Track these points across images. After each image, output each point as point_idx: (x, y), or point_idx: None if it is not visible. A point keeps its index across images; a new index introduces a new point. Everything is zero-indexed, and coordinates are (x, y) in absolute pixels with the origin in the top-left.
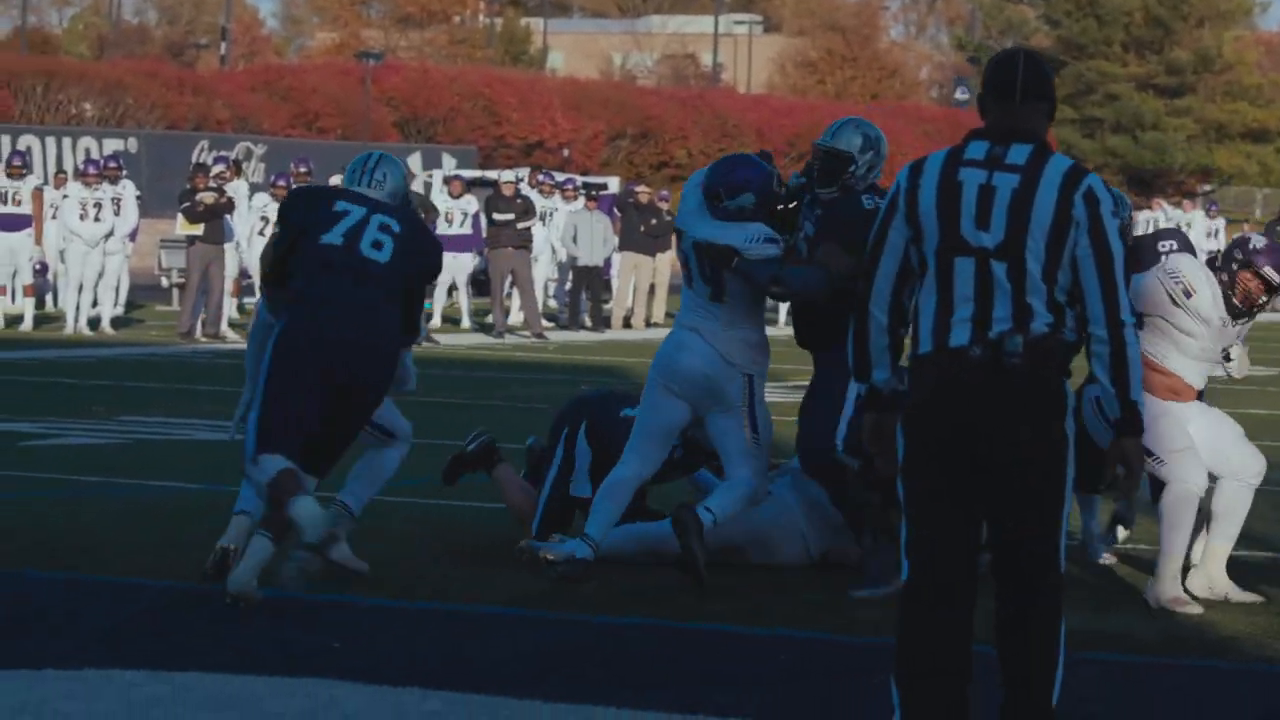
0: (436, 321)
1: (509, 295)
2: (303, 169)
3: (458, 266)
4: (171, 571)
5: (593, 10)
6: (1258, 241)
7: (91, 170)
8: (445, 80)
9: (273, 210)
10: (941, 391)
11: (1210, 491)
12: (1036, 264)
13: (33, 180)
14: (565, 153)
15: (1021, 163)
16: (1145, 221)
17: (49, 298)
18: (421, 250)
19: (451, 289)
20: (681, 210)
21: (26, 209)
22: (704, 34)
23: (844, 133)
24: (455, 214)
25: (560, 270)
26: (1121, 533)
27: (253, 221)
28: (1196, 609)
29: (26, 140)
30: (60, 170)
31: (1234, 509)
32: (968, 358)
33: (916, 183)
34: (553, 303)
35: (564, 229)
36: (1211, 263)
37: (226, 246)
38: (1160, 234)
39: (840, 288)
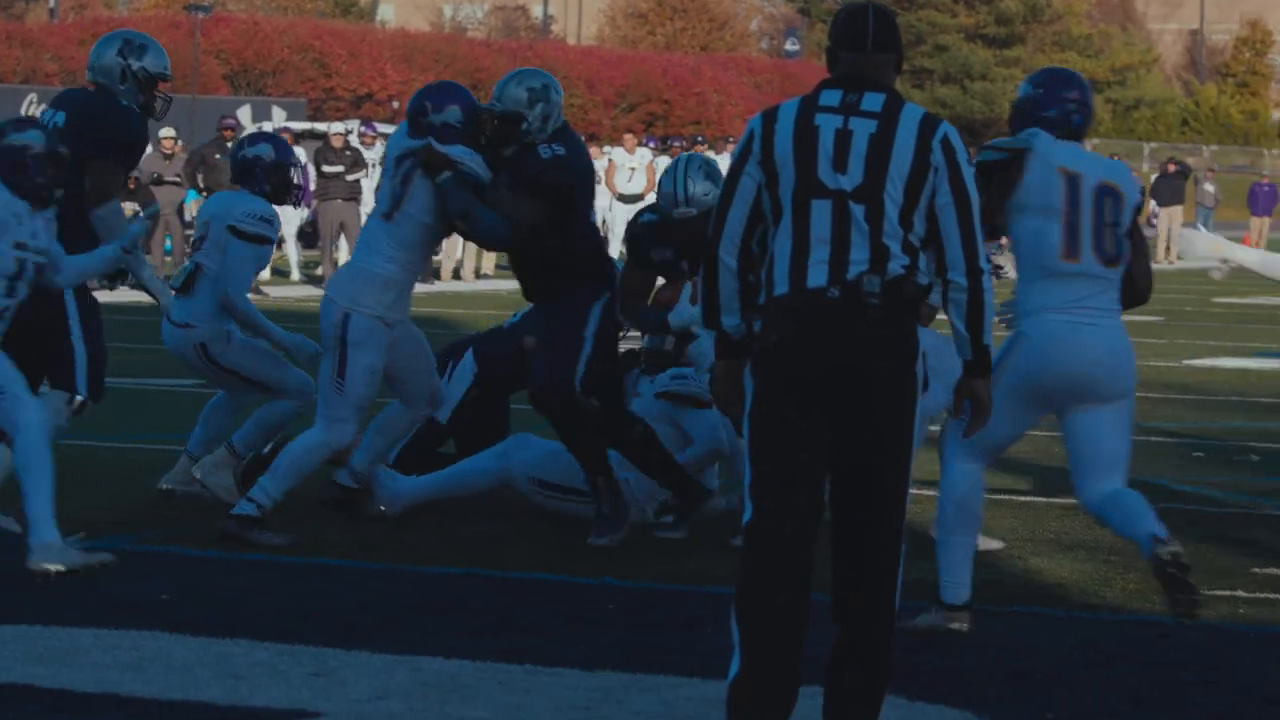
0: (266, 274)
1: (338, 247)
2: None
3: (285, 219)
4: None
5: None
6: None
7: None
8: (275, 33)
9: None
10: (799, 331)
11: None
12: (894, 207)
13: None
14: (395, 105)
15: (877, 110)
16: None
17: None
18: None
19: (280, 241)
20: (394, 137)
21: None
22: None
23: (509, 91)
24: None
25: None
26: None
27: None
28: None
29: None
30: None
31: None
32: (825, 298)
33: (771, 129)
34: None
35: None
36: None
37: None
38: None
39: (524, 238)
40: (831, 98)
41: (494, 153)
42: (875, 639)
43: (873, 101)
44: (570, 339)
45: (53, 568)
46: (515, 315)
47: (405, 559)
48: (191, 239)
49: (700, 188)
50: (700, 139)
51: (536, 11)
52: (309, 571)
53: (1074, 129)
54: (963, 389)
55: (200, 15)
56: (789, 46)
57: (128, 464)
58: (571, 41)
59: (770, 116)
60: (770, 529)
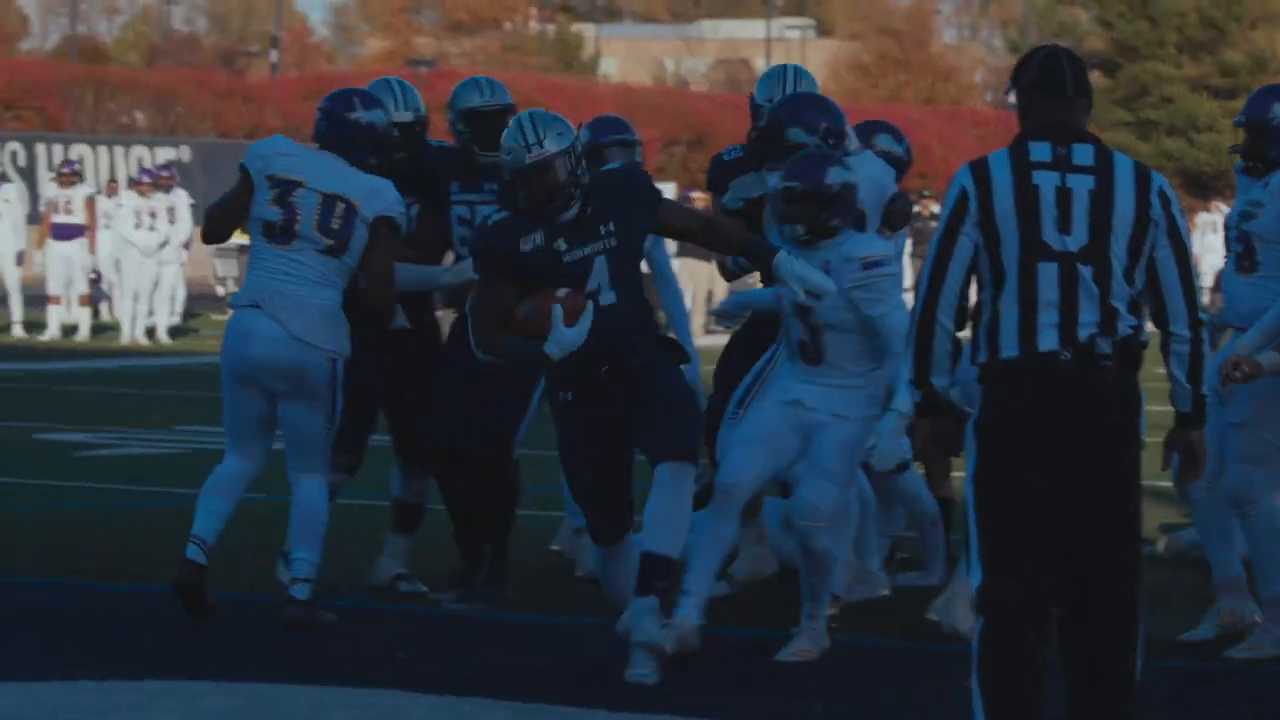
0: None
1: None
2: None
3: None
4: (234, 581)
5: (644, 16)
6: None
7: (145, 179)
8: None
9: None
10: (1032, 395)
11: None
12: (1119, 265)
13: (85, 189)
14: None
15: (1090, 163)
16: (1204, 224)
17: (104, 307)
18: None
19: None
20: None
21: (79, 218)
22: (756, 39)
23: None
24: None
25: None
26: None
27: None
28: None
29: (79, 150)
30: (112, 179)
31: None
32: (1058, 362)
33: (987, 189)
34: None
35: None
36: None
37: None
38: None
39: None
40: (1042, 151)
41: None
42: (1117, 708)
43: (1084, 154)
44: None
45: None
46: None
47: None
48: None
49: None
50: (925, 193)
51: (760, 64)
52: (542, 630)
53: None
54: (1177, 440)
55: (423, 70)
56: (1012, 99)
57: (366, 521)
58: None
59: (982, 174)
60: (1005, 594)
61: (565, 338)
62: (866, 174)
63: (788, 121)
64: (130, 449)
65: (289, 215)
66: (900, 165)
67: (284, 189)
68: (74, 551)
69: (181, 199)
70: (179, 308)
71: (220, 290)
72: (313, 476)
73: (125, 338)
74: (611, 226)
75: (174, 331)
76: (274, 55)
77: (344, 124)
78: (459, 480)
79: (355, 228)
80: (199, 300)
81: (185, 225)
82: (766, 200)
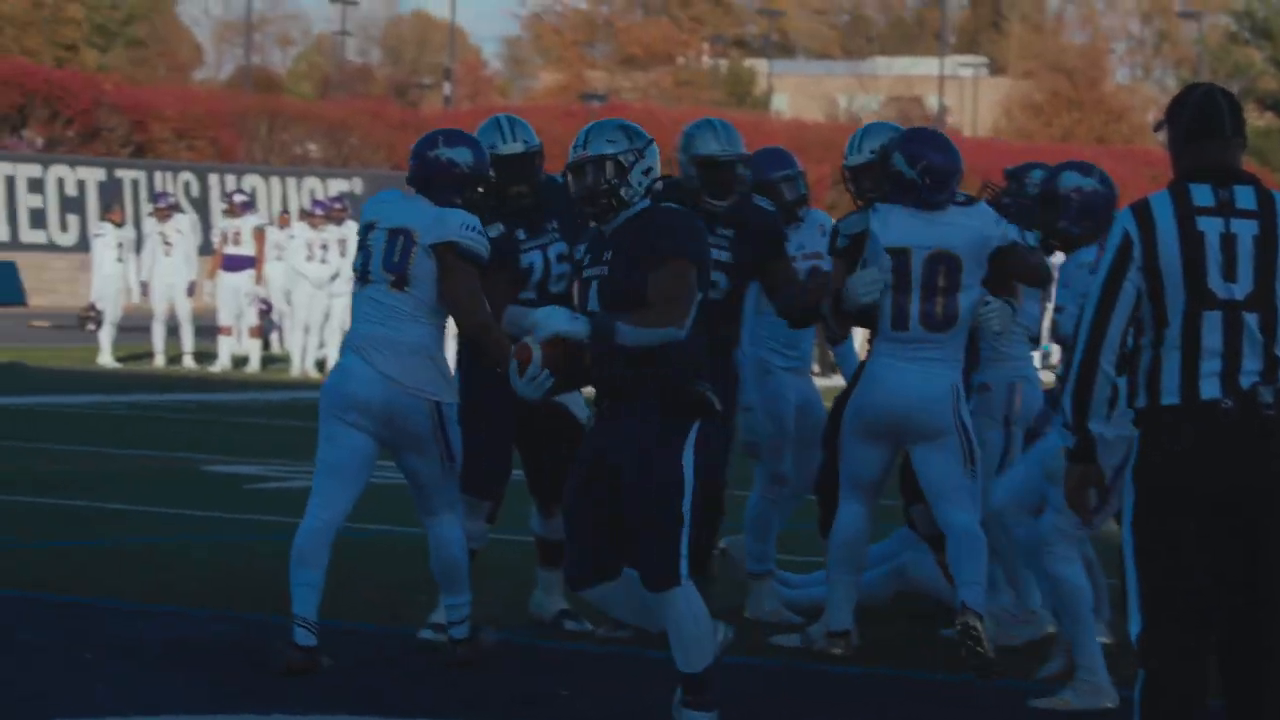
0: None
1: None
2: None
3: None
4: (401, 617)
5: (817, 52)
6: None
7: (318, 211)
8: (670, 122)
9: None
10: (1195, 444)
11: None
12: None
13: (253, 219)
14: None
15: (1253, 207)
16: None
17: (275, 339)
18: None
19: None
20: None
21: (249, 249)
22: (929, 76)
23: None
24: None
25: None
26: None
27: None
28: None
29: (251, 180)
30: (284, 210)
31: None
32: (1220, 410)
33: (1151, 234)
34: None
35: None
36: None
37: None
38: None
39: None
40: (1204, 195)
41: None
42: None
43: (1246, 198)
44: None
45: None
46: None
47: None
48: None
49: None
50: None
51: (932, 102)
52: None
53: None
54: None
55: (595, 104)
56: (1162, 136)
57: (525, 555)
58: (967, 133)
59: (1145, 218)
60: (1165, 642)
61: (518, 386)
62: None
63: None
64: (299, 482)
65: (365, 257)
66: (1097, 200)
67: (364, 233)
68: (240, 584)
69: (353, 231)
70: None
71: None
72: (441, 516)
73: (295, 370)
74: (609, 255)
75: None
76: (447, 88)
77: (425, 162)
78: None
79: (415, 258)
80: None
81: None
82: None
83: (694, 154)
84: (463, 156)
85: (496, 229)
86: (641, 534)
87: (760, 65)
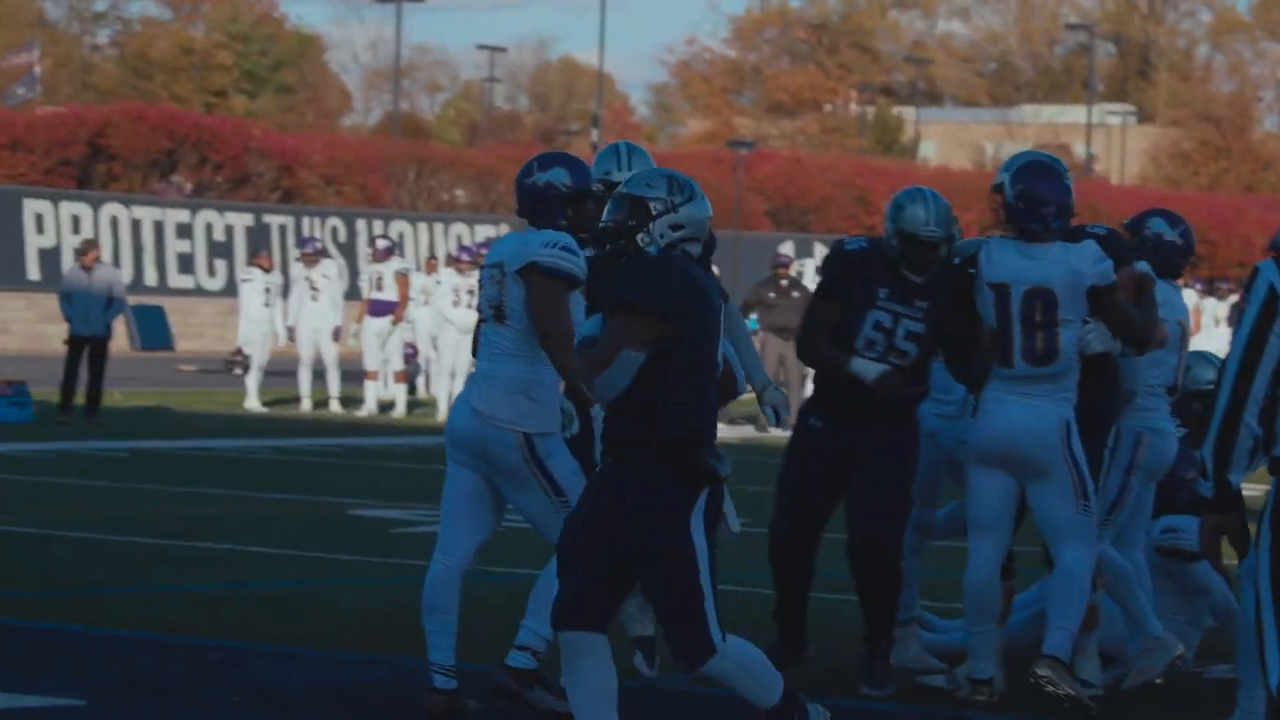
0: None
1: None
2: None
3: None
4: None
5: (964, 100)
6: None
7: (465, 257)
8: (817, 169)
9: None
10: None
11: None
12: None
13: (396, 264)
14: None
15: None
16: None
17: (420, 384)
18: None
19: None
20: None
21: (392, 294)
22: (1077, 124)
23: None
24: None
25: None
26: None
27: None
28: None
29: (398, 226)
30: (431, 256)
31: None
32: None
33: None
34: None
35: None
36: None
37: None
38: None
39: None
40: None
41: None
42: None
43: None
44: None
45: None
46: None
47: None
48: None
49: None
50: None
51: (1079, 150)
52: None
53: None
54: None
55: (743, 151)
56: None
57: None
58: (1115, 181)
59: None
60: None
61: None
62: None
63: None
64: None
65: (480, 297)
66: (1172, 250)
67: (481, 275)
68: (384, 628)
69: None
70: None
71: None
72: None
73: (441, 415)
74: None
75: None
76: (594, 134)
77: (525, 190)
78: (793, 576)
79: (507, 288)
80: None
81: None
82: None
83: (899, 225)
84: (559, 176)
85: (589, 252)
86: (666, 620)
87: (907, 112)
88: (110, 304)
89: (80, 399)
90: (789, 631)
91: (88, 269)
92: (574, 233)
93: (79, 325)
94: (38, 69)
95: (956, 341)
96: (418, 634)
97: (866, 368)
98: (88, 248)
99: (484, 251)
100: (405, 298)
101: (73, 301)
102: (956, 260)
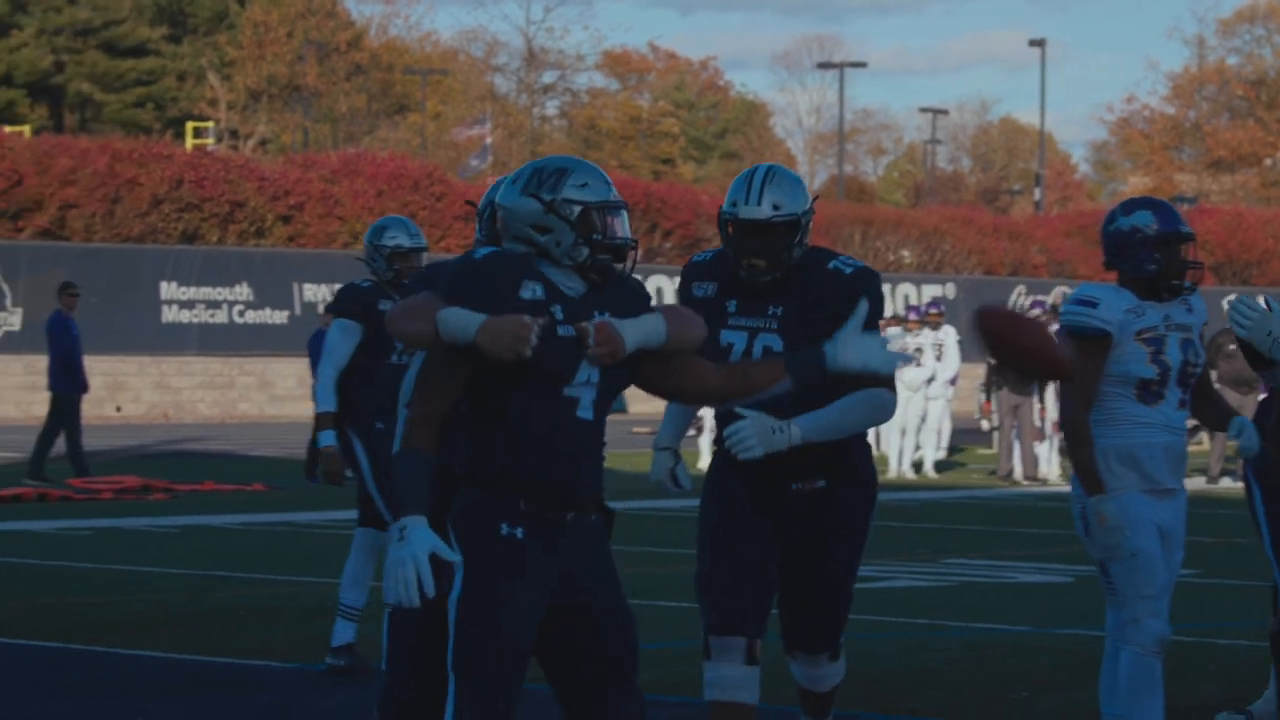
0: None
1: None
2: None
3: None
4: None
5: None
6: None
7: (912, 316)
8: (1259, 223)
9: None
10: None
11: None
12: None
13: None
14: None
15: None
16: None
17: (873, 441)
18: None
19: None
20: None
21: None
22: None
23: None
24: None
25: None
26: None
27: None
28: None
29: None
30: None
31: None
32: None
33: None
34: None
35: None
36: None
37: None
38: None
39: None
40: None
41: None
42: None
43: None
44: None
45: None
46: None
47: None
48: None
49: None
50: None
51: None
52: None
53: None
54: None
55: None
56: None
57: None
58: None
59: None
60: None
61: None
62: None
63: None
64: (899, 582)
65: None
66: None
67: None
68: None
69: (949, 335)
70: (945, 442)
71: (984, 425)
72: None
73: (892, 471)
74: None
75: (940, 466)
76: (1037, 193)
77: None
78: None
79: None
80: (964, 435)
81: (953, 361)
82: None
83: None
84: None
85: (704, 288)
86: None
87: None
88: None
89: None
90: None
91: None
92: None
93: None
94: (489, 141)
95: None
96: (898, 688)
97: None
98: None
99: (933, 310)
100: None
101: None
102: None
